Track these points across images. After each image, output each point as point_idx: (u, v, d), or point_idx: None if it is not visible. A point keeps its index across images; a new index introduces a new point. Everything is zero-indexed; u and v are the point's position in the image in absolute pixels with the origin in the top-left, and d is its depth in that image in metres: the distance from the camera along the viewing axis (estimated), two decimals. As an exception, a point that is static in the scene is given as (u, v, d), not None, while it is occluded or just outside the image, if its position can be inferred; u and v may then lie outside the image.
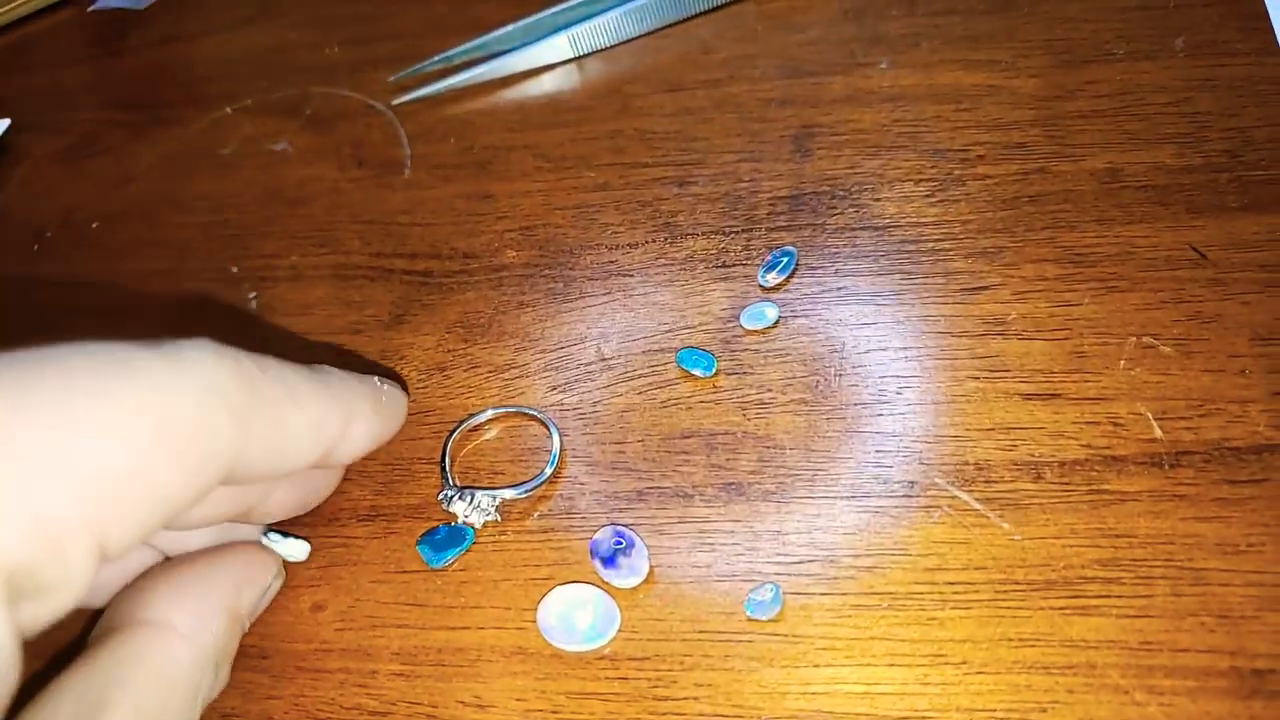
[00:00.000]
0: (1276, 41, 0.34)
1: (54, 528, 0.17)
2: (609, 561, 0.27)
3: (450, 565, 0.28)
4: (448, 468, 0.30)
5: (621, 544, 0.27)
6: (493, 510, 0.29)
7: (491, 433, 0.31)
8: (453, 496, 0.29)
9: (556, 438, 0.30)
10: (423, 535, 0.29)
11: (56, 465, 0.18)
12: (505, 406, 0.31)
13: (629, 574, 0.26)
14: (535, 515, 0.29)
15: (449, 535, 0.28)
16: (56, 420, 0.18)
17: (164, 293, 0.37)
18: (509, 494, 0.29)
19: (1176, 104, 0.33)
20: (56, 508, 0.17)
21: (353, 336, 0.34)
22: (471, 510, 0.29)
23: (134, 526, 0.19)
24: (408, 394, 0.28)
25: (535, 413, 0.31)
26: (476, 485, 0.30)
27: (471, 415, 0.31)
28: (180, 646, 0.23)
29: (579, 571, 0.27)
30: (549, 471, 0.29)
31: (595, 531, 0.28)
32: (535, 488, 0.29)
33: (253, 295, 0.36)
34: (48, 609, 0.18)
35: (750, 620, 0.26)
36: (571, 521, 0.28)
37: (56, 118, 0.47)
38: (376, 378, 0.27)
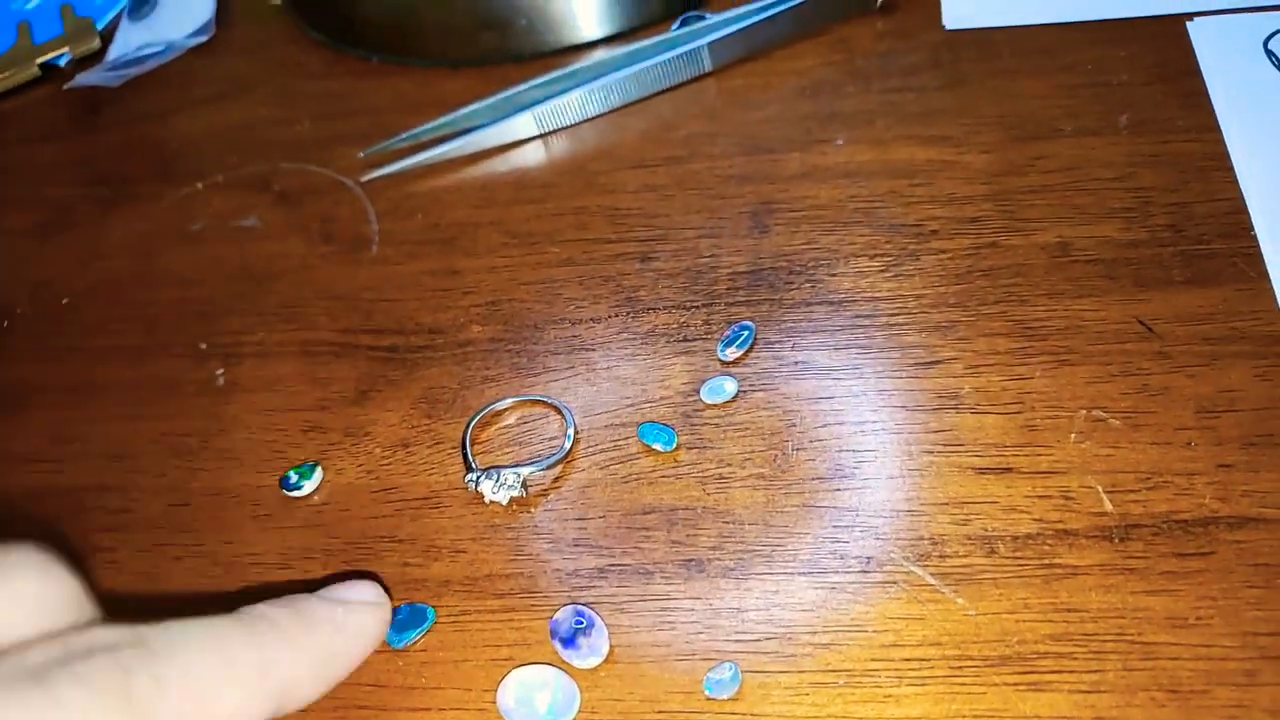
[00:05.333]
0: (1216, 119, 0.35)
1: None
2: (569, 642, 0.27)
3: (412, 645, 0.28)
4: (469, 452, 0.32)
5: (582, 624, 0.27)
6: (519, 486, 0.30)
7: (509, 419, 0.33)
8: (479, 477, 0.30)
9: (570, 419, 0.32)
10: (384, 615, 0.29)
11: None
12: (520, 396, 0.33)
13: (589, 654, 0.27)
14: (496, 594, 0.29)
15: (410, 615, 0.28)
16: None
17: (132, 370, 0.38)
18: (529, 470, 0.31)
19: (1121, 179, 0.34)
20: None
21: (319, 413, 0.34)
22: (499, 489, 0.30)
23: None
24: (387, 598, 0.24)
25: (549, 400, 0.33)
26: (500, 465, 0.31)
27: (491, 404, 0.33)
28: None
29: (540, 652, 0.27)
30: (568, 445, 0.31)
31: (556, 610, 0.28)
32: (556, 464, 0.31)
33: (220, 372, 0.36)
34: None
35: (709, 699, 0.26)
36: (533, 600, 0.28)
37: (29, 193, 0.47)
38: (341, 608, 0.23)
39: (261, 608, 0.22)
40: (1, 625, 0.18)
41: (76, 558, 0.32)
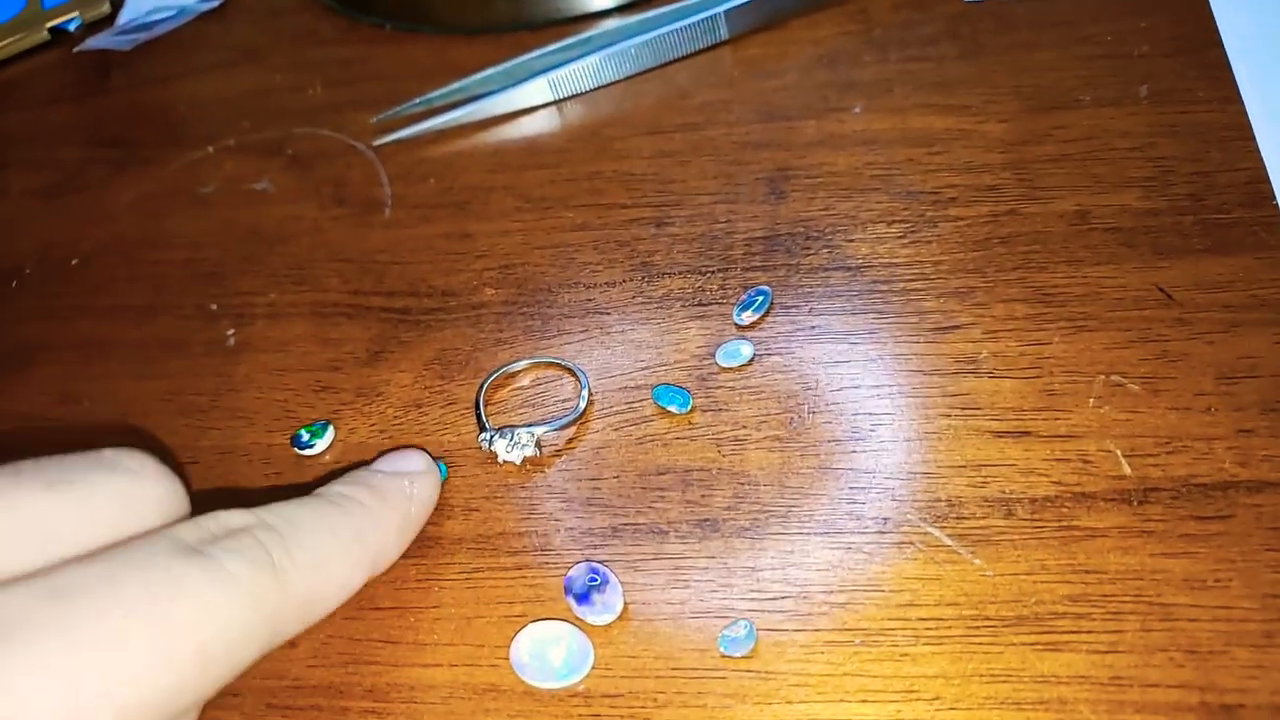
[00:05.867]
0: (1238, 90, 0.35)
1: None
2: (583, 598, 0.27)
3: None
4: (482, 412, 0.32)
5: (596, 580, 0.27)
6: (532, 446, 0.30)
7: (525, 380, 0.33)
8: (493, 436, 0.30)
9: (584, 381, 0.32)
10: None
11: (107, 693, 0.19)
12: (535, 357, 0.33)
13: (603, 611, 0.26)
14: (509, 552, 0.29)
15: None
16: (110, 658, 0.19)
17: (141, 329, 0.37)
18: (542, 430, 0.30)
19: (1141, 149, 0.34)
20: None
21: (330, 373, 0.34)
22: (512, 448, 0.30)
23: None
24: (434, 463, 0.28)
25: (563, 362, 0.33)
26: (514, 424, 0.31)
27: (504, 365, 0.33)
28: None
29: (553, 608, 0.27)
30: (582, 406, 0.31)
31: (570, 568, 0.28)
32: (569, 424, 0.31)
33: (230, 332, 0.36)
34: None
35: (724, 657, 0.25)
36: (546, 558, 0.28)
37: (38, 155, 0.47)
38: (407, 479, 0.27)
39: (340, 489, 0.25)
40: (141, 520, 0.22)
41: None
